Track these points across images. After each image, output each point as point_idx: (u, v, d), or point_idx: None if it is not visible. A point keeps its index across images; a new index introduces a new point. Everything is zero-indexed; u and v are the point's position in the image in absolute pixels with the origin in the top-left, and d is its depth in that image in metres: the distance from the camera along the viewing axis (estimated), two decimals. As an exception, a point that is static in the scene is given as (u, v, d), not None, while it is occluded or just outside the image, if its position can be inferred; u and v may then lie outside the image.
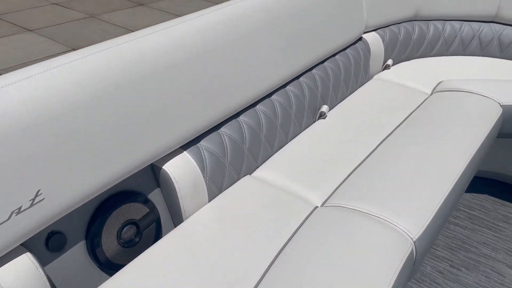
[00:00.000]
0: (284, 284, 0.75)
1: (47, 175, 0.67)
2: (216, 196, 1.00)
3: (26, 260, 0.69)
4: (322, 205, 1.01)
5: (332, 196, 1.01)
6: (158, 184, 0.94)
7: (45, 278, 0.70)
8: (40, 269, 0.70)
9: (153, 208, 0.92)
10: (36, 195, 0.66)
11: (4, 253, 0.66)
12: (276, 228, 0.91)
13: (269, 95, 1.17)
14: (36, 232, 0.70)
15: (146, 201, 0.91)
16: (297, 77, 1.27)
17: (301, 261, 0.79)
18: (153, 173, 0.94)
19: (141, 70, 0.80)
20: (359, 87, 1.52)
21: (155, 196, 0.94)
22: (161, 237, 0.95)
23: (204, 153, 0.97)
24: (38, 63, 0.70)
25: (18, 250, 0.69)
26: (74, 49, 2.65)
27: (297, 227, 0.92)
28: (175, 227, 0.96)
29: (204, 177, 0.96)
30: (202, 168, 0.96)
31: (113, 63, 0.76)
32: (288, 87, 1.23)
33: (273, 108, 1.16)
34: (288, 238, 0.88)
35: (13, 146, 0.63)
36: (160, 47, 0.84)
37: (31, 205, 0.66)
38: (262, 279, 0.78)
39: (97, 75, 0.74)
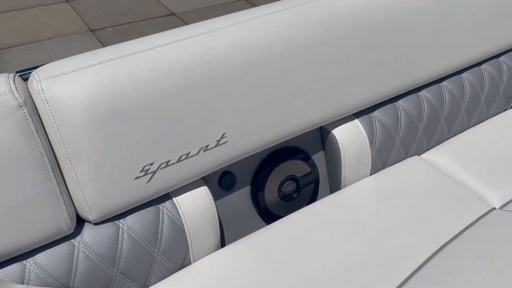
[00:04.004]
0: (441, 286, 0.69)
1: (232, 122, 0.77)
2: (378, 171, 0.97)
3: (204, 192, 0.81)
4: (501, 208, 0.90)
5: None
6: (323, 147, 0.98)
7: (215, 211, 0.82)
8: (213, 203, 0.81)
9: (314, 169, 0.98)
10: (222, 137, 0.77)
11: (187, 183, 0.79)
12: (441, 221, 0.83)
13: (460, 71, 1.06)
14: (215, 170, 0.81)
15: (309, 161, 0.97)
16: (497, 56, 1.14)
17: (467, 265, 0.73)
18: (321, 136, 0.98)
19: (328, 31, 0.82)
20: None
21: (318, 159, 0.99)
22: (316, 200, 0.98)
23: (376, 124, 0.95)
24: (202, 22, 0.77)
25: (198, 183, 0.82)
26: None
27: (466, 225, 0.83)
28: (331, 193, 0.97)
29: (371, 148, 0.94)
30: (371, 139, 0.95)
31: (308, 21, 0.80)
32: (483, 66, 1.11)
33: (461, 87, 1.05)
34: (453, 235, 0.81)
35: (205, 92, 0.73)
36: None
37: (216, 145, 0.77)
38: (415, 272, 0.74)
39: (285, 33, 0.78)
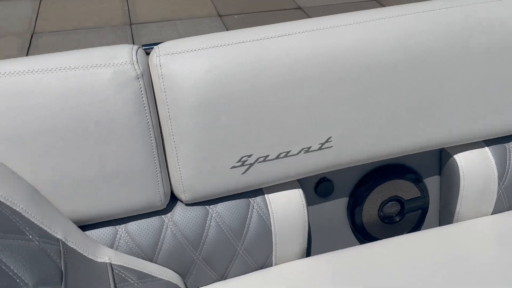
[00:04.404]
0: None
1: (341, 127, 0.72)
2: (502, 211, 0.86)
3: (297, 195, 0.77)
4: None
5: None
6: (439, 172, 0.88)
7: (306, 217, 0.78)
8: (305, 208, 0.78)
9: (424, 194, 0.88)
10: (326, 141, 0.72)
11: (282, 182, 0.75)
12: None
13: None
14: (313, 174, 0.76)
15: (420, 185, 0.87)
16: None
17: None
18: (439, 158, 0.88)
19: (464, 41, 0.72)
20: None
21: (431, 183, 0.89)
22: (421, 229, 0.89)
23: (510, 158, 0.83)
24: (327, 16, 0.72)
25: (293, 184, 0.78)
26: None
27: None
28: (439, 225, 0.89)
29: (499, 184, 0.84)
30: (501, 174, 0.83)
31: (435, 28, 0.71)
32: None
33: None
34: None
35: (316, 90, 0.69)
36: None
37: (319, 148, 0.73)
38: None
39: (410, 37, 0.71)
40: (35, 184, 0.62)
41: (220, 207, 0.75)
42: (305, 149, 0.72)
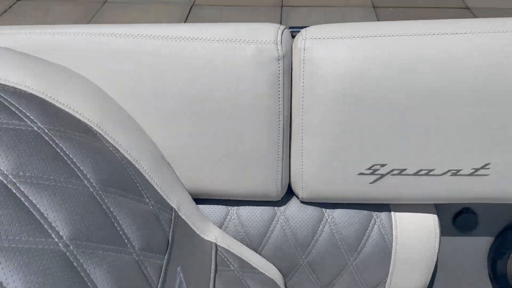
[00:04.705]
0: None
1: (505, 154, 0.61)
2: None
3: (431, 222, 0.68)
4: None
5: None
6: None
7: (437, 249, 0.68)
8: (437, 237, 0.68)
9: None
10: (482, 167, 0.61)
11: (416, 202, 0.66)
12: None
13: None
14: (456, 202, 0.66)
15: None
16: None
17: None
18: None
19: None
20: None
21: None
22: None
23: None
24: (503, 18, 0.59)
25: (428, 208, 0.69)
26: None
27: None
28: None
29: None
30: None
31: None
32: None
33: None
34: None
35: (483, 104, 0.58)
36: None
37: (471, 174, 0.62)
38: None
39: None
40: (160, 148, 0.63)
41: (338, 213, 0.68)
42: (453, 172, 0.61)
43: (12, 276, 0.35)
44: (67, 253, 0.40)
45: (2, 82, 0.49)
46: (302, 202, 0.69)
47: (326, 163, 0.63)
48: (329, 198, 0.66)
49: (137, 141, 0.58)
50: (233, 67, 0.58)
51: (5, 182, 0.40)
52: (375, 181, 0.63)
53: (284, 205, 0.69)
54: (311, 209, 0.68)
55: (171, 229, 0.55)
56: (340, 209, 0.68)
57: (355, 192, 0.64)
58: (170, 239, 0.54)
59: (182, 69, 0.58)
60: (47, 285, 0.37)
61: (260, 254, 0.69)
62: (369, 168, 0.62)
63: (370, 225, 0.67)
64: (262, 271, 0.66)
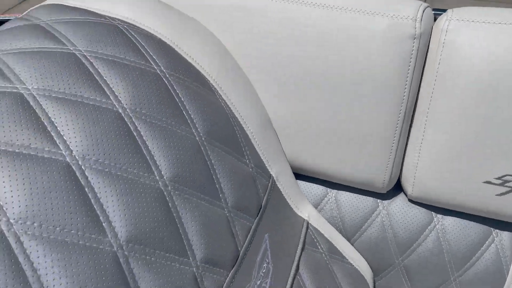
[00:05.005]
0: None
1: None
2: None
3: None
4: None
5: None
6: None
7: None
8: None
9: None
10: None
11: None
12: None
13: None
14: None
15: None
16: None
17: None
18: None
19: None
20: None
21: None
22: None
23: None
24: None
25: None
26: None
27: None
28: None
29: None
30: None
31: None
32: None
33: None
34: None
35: None
36: None
37: None
38: None
39: None
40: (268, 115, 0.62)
41: (450, 222, 0.61)
42: None
43: (112, 201, 0.38)
44: (165, 192, 0.41)
45: (138, 25, 0.51)
46: (410, 200, 0.63)
47: (447, 161, 0.56)
48: (442, 202, 0.59)
49: (248, 103, 0.58)
50: (361, 41, 0.54)
51: (122, 114, 0.42)
52: (503, 193, 0.55)
53: (388, 199, 0.63)
54: (418, 210, 0.62)
55: (265, 195, 0.54)
56: (453, 217, 0.61)
57: (476, 202, 0.57)
58: (263, 204, 0.53)
59: (306, 38, 0.56)
60: (141, 217, 0.39)
61: (352, 245, 0.65)
62: (499, 178, 0.54)
63: (487, 242, 0.59)
64: (351, 262, 0.62)
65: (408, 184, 0.60)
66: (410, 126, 0.59)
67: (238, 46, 0.59)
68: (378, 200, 0.63)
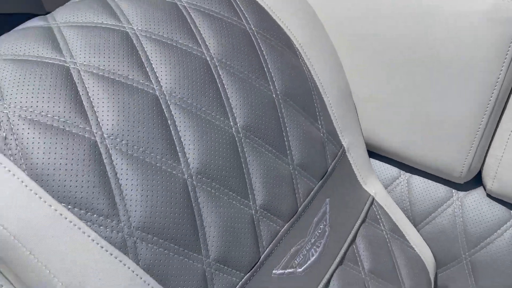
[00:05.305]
0: None
1: None
2: None
3: None
4: None
5: None
6: None
7: None
8: None
9: None
10: None
11: None
12: None
13: None
14: None
15: None
16: None
17: None
18: None
19: None
20: None
21: None
22: None
23: None
24: None
25: None
26: None
27: None
28: None
29: None
30: None
31: None
32: None
33: None
34: None
35: None
36: None
37: None
38: None
39: None
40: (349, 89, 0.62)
41: None
42: None
43: (189, 135, 0.42)
44: (236, 138, 0.45)
45: None
46: (488, 195, 0.60)
47: None
48: None
49: (331, 73, 0.59)
50: (459, 21, 0.52)
51: (209, 62, 0.46)
52: None
53: (465, 190, 0.61)
54: (496, 206, 0.59)
55: (333, 162, 0.55)
56: None
57: None
58: (329, 170, 0.54)
59: (406, 14, 0.55)
60: (212, 154, 0.43)
61: (417, 231, 0.64)
62: None
63: None
64: (414, 246, 0.61)
65: (488, 177, 0.57)
66: (501, 116, 0.56)
67: (334, 18, 0.60)
68: (453, 190, 0.61)
